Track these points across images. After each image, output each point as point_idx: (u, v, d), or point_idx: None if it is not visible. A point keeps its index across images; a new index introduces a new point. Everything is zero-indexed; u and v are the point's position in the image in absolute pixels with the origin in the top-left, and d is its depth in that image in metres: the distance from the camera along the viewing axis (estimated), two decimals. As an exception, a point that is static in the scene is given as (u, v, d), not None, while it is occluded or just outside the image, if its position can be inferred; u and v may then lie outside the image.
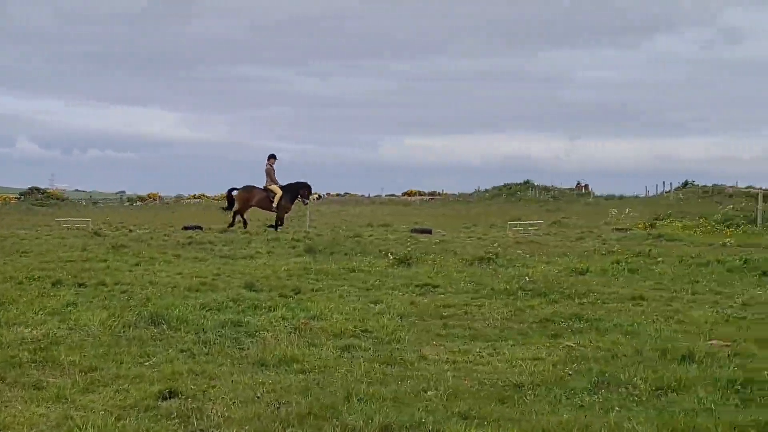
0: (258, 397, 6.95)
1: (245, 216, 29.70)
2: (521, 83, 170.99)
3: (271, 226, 29.02)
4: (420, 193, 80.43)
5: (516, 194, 67.19)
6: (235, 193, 29.74)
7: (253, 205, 29.78)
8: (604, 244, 23.40)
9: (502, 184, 72.95)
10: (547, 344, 9.26)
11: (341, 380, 7.55)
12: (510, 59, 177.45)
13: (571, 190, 72.29)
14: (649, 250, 19.82)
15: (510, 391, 7.25)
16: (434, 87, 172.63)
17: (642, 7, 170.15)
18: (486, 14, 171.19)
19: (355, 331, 9.84)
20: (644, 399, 6.95)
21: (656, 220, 33.61)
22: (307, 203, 31.33)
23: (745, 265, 16.62)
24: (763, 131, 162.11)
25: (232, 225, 29.13)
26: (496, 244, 21.53)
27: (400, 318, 10.86)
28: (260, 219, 31.68)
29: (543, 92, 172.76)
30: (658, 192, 69.36)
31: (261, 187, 29.48)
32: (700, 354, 8.29)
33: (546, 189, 69.77)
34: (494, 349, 9.06)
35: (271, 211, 29.78)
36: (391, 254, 17.70)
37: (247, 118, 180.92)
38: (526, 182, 71.61)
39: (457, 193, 75.96)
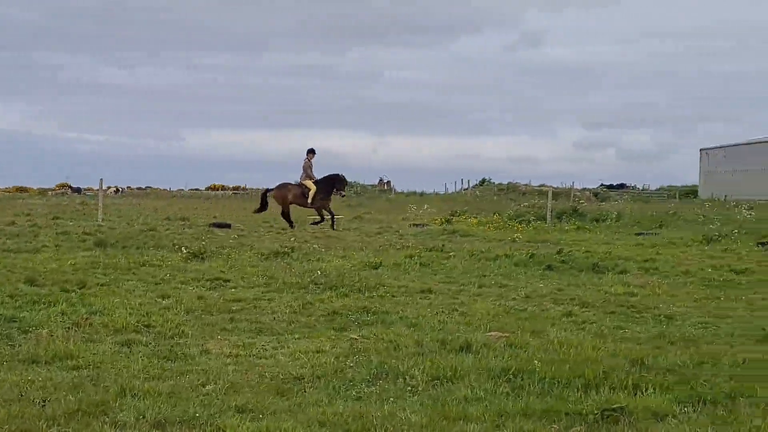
0: (22, 395, 6.62)
1: (291, 216, 28.57)
2: (331, 80, 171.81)
3: (314, 223, 28.22)
4: (224, 188, 79.52)
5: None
6: (271, 193, 29.08)
7: (292, 202, 28.60)
8: (400, 239, 23.82)
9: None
10: (333, 337, 9.32)
11: (116, 376, 7.32)
12: (321, 56, 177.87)
13: (374, 186, 73.32)
14: (443, 245, 20.33)
15: (290, 384, 7.25)
16: (244, 81, 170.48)
17: (447, 7, 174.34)
18: (299, 11, 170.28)
19: (137, 326, 9.56)
20: (420, 389, 7.09)
21: (452, 216, 34.46)
22: (344, 195, 30.38)
23: (531, 260, 17.28)
24: (558, 133, 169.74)
25: (291, 225, 27.86)
26: (293, 239, 21.50)
27: (187, 313, 10.65)
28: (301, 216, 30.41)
29: (352, 90, 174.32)
30: (457, 189, 71.41)
31: (296, 182, 28.63)
32: (478, 345, 8.55)
33: (350, 185, 70.39)
34: (279, 343, 9.05)
35: (306, 207, 28.84)
36: (185, 248, 17.36)
37: (45, 107, 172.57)
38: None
39: (262, 188, 75.46)
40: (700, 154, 76.76)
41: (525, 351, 8.43)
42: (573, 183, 64.64)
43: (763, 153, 64.29)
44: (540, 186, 66.46)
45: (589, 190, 70.68)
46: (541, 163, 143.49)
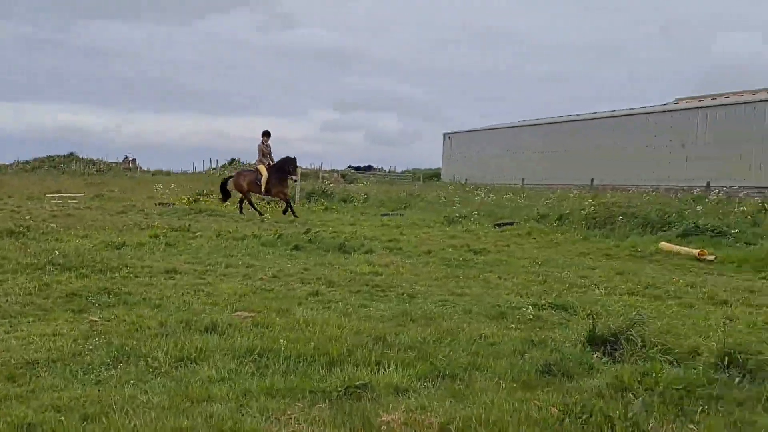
0: None
1: (250, 199, 27.28)
2: (73, 54, 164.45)
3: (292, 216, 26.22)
4: (-47, 163, 74.49)
5: (59, 167, 64.74)
6: (229, 182, 27.56)
7: (249, 190, 26.91)
8: (146, 218, 23.21)
9: (45, 155, 69.87)
10: (71, 319, 8.90)
11: None
12: (62, 28, 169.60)
13: (118, 164, 71.11)
14: (189, 225, 19.98)
15: (23, 369, 6.86)
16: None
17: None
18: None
19: None
20: (164, 370, 6.90)
21: (200, 195, 34.04)
22: (296, 180, 28.28)
23: (278, 240, 17.31)
24: (308, 114, 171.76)
25: (241, 211, 26.68)
26: (29, 218, 20.45)
27: None
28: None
29: (96, 64, 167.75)
30: (206, 169, 70.49)
31: (252, 169, 27.19)
32: (223, 325, 8.43)
33: (92, 162, 68.04)
34: (12, 326, 8.54)
35: (259, 194, 27.10)
36: None
37: None
38: (71, 155, 69.28)
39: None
40: (443, 138, 79.66)
41: (271, 330, 8.40)
42: (321, 164, 65.38)
43: (499, 138, 67.58)
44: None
45: (337, 171, 71.78)
46: (291, 143, 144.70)
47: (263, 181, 26.57)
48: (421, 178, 70.00)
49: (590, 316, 9.34)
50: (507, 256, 17.03)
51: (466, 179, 54.05)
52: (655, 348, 7.91)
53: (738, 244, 18.77)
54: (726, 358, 7.39)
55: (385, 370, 7.08)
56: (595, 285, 13.01)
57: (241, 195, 27.64)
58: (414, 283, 12.45)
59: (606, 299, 11.59)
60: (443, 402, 6.32)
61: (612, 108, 61.64)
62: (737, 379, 7.08)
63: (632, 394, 6.56)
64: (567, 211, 25.65)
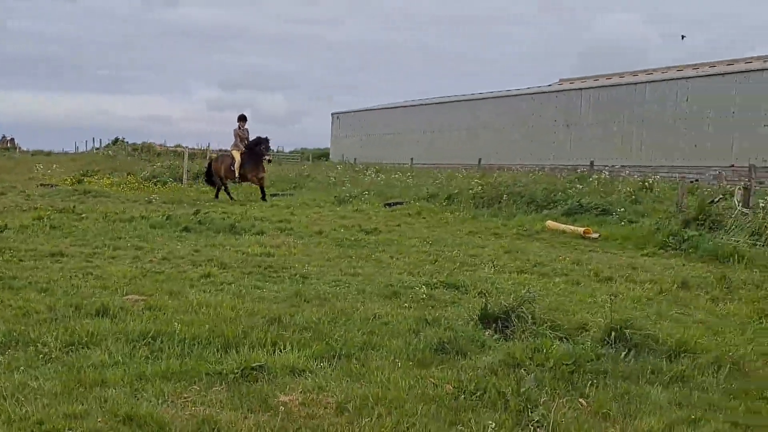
0: None
1: (226, 186, 26.37)
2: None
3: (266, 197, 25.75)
4: None
5: (-68, 146, 62.43)
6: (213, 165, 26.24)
7: (226, 176, 25.90)
8: (27, 200, 22.59)
9: None
10: (-47, 305, 8.59)
11: None
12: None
13: (-4, 144, 68.95)
14: (74, 207, 19.53)
15: None
16: None
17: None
18: None
19: None
20: (54, 356, 6.74)
21: (84, 176, 33.30)
22: (271, 160, 27.08)
23: (167, 221, 17.05)
24: (193, 93, 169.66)
25: (231, 198, 25.84)
26: None
27: None
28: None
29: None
30: (89, 148, 68.95)
31: (229, 153, 26.11)
32: (115, 309, 8.28)
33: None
34: None
35: (234, 180, 26.02)
36: None
37: None
38: (-56, 134, 66.92)
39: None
40: (332, 118, 79.58)
41: (164, 313, 8.29)
42: (209, 144, 64.45)
43: (387, 118, 67.90)
44: (176, 146, 65.58)
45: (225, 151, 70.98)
46: (176, 123, 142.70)
47: (236, 166, 25.84)
48: (310, 158, 69.82)
49: (481, 295, 9.52)
50: (398, 235, 17.17)
51: (355, 159, 54.13)
52: (545, 324, 8.11)
53: (622, 223, 19.33)
54: (612, 333, 7.63)
55: (281, 351, 7.08)
56: (485, 263, 13.23)
57: (220, 181, 27.00)
58: (307, 264, 12.44)
59: (496, 277, 11.81)
60: (340, 382, 6.36)
61: (498, 88, 62.53)
62: (623, 354, 7.33)
63: (524, 370, 6.73)
64: (456, 191, 25.98)
